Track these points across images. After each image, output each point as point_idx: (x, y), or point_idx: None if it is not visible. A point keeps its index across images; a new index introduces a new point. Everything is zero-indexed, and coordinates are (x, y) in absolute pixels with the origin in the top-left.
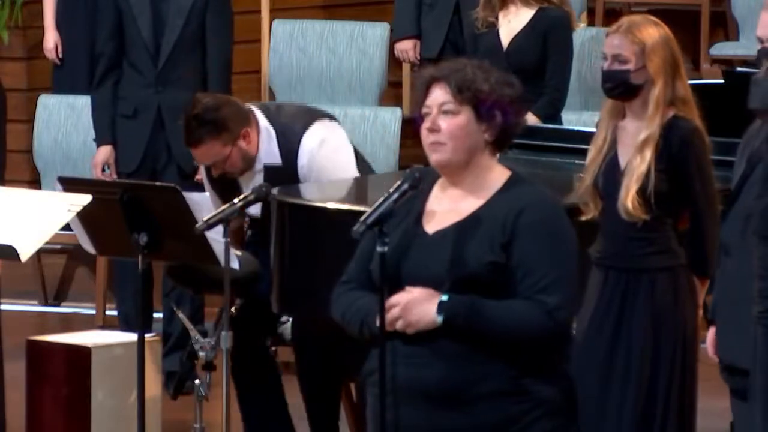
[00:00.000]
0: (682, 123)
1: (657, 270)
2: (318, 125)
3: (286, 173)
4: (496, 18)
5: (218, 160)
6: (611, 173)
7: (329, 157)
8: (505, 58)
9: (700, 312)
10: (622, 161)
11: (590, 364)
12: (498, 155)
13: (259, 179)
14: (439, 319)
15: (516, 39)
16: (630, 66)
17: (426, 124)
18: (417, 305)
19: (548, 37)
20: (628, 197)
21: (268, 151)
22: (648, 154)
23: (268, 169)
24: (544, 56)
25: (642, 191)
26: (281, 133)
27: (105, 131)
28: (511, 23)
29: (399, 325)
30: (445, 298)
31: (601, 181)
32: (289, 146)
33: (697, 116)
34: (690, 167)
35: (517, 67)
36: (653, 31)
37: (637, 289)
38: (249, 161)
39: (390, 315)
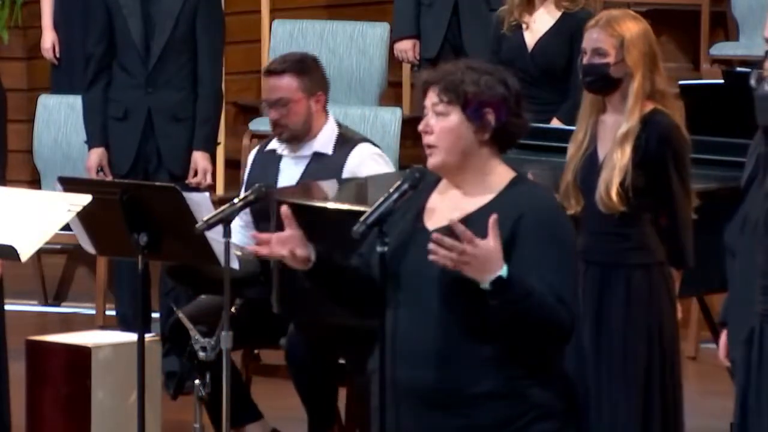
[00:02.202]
0: (660, 118)
1: (633, 266)
2: (377, 149)
3: (331, 164)
4: (522, 19)
5: (284, 100)
6: (590, 168)
7: (376, 167)
8: (530, 59)
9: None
10: (601, 155)
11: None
12: (501, 155)
13: (302, 167)
14: (503, 272)
15: (541, 41)
16: (609, 59)
17: (420, 126)
18: (491, 254)
19: (575, 39)
20: (612, 189)
21: (324, 142)
22: (628, 148)
23: (316, 156)
24: (570, 58)
25: (620, 184)
26: (342, 134)
27: (96, 134)
28: (537, 24)
29: (461, 256)
30: (504, 272)
31: (580, 176)
32: (344, 144)
33: (675, 108)
34: (668, 162)
35: (543, 68)
36: (632, 25)
37: (612, 283)
38: (306, 128)
39: (460, 246)
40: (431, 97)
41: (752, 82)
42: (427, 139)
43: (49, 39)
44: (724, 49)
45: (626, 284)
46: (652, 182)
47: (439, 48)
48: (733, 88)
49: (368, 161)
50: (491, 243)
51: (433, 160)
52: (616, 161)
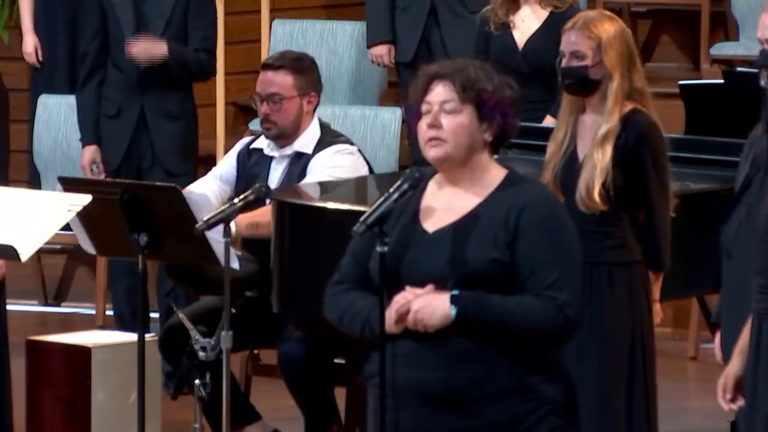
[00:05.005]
0: (639, 117)
1: (614, 264)
2: (352, 147)
3: (302, 164)
4: (507, 18)
5: (278, 96)
6: (571, 167)
7: (340, 161)
8: (521, 58)
9: (656, 308)
10: (581, 155)
11: None
12: (495, 155)
13: (283, 166)
14: (453, 311)
15: (531, 40)
16: (587, 61)
17: (427, 120)
18: (429, 303)
19: None
20: (594, 190)
21: (305, 143)
22: (609, 148)
23: (297, 156)
24: None
25: (602, 184)
26: (323, 136)
27: (90, 131)
28: (525, 23)
29: (417, 326)
30: (456, 292)
31: (560, 175)
32: (322, 144)
33: (653, 108)
34: (646, 162)
35: (534, 67)
36: (609, 26)
37: (595, 280)
38: (295, 127)
39: (407, 319)
40: (441, 93)
41: (762, 82)
42: (436, 133)
43: (30, 43)
44: (724, 49)
45: (609, 281)
46: (631, 182)
47: (415, 51)
48: (733, 88)
49: (333, 159)
50: (418, 292)
51: (437, 152)
52: (597, 162)
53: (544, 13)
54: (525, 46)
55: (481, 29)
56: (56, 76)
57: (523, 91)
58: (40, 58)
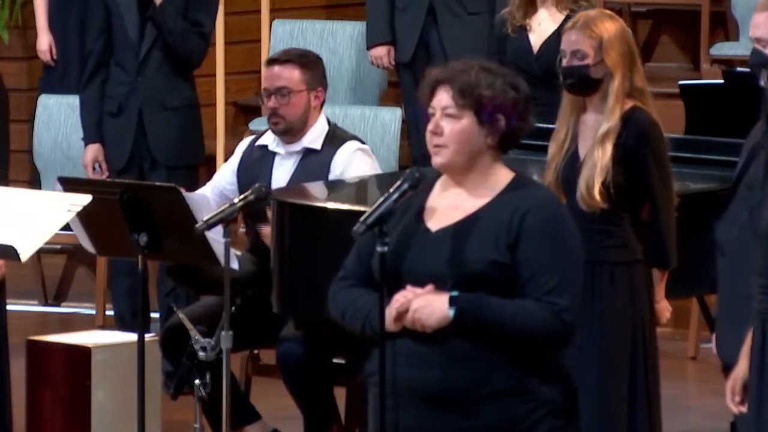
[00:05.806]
0: (639, 115)
1: (615, 263)
2: (364, 146)
3: (319, 161)
4: (524, 21)
5: (286, 90)
6: (572, 167)
7: (362, 162)
8: (534, 61)
9: (664, 305)
10: (582, 154)
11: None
12: (502, 156)
13: (292, 162)
14: (451, 312)
15: (546, 43)
16: (589, 61)
17: (429, 127)
18: (428, 303)
19: None
20: (594, 188)
21: (313, 138)
22: (609, 146)
23: (307, 152)
24: None
25: (602, 182)
26: (332, 132)
27: (92, 130)
28: (542, 26)
29: (415, 326)
30: (455, 293)
31: (562, 175)
32: (332, 141)
33: (653, 107)
34: (647, 159)
35: (547, 71)
36: (609, 25)
37: (596, 279)
38: (302, 123)
39: (406, 319)
40: (443, 99)
41: (762, 82)
42: (436, 140)
43: (45, 41)
44: (724, 49)
45: (610, 281)
46: (632, 180)
47: (414, 52)
48: (733, 88)
49: (354, 157)
50: (418, 291)
51: (440, 159)
52: (597, 160)
53: (560, 17)
54: (540, 49)
55: (498, 31)
56: (67, 75)
57: (534, 92)
58: (55, 57)
